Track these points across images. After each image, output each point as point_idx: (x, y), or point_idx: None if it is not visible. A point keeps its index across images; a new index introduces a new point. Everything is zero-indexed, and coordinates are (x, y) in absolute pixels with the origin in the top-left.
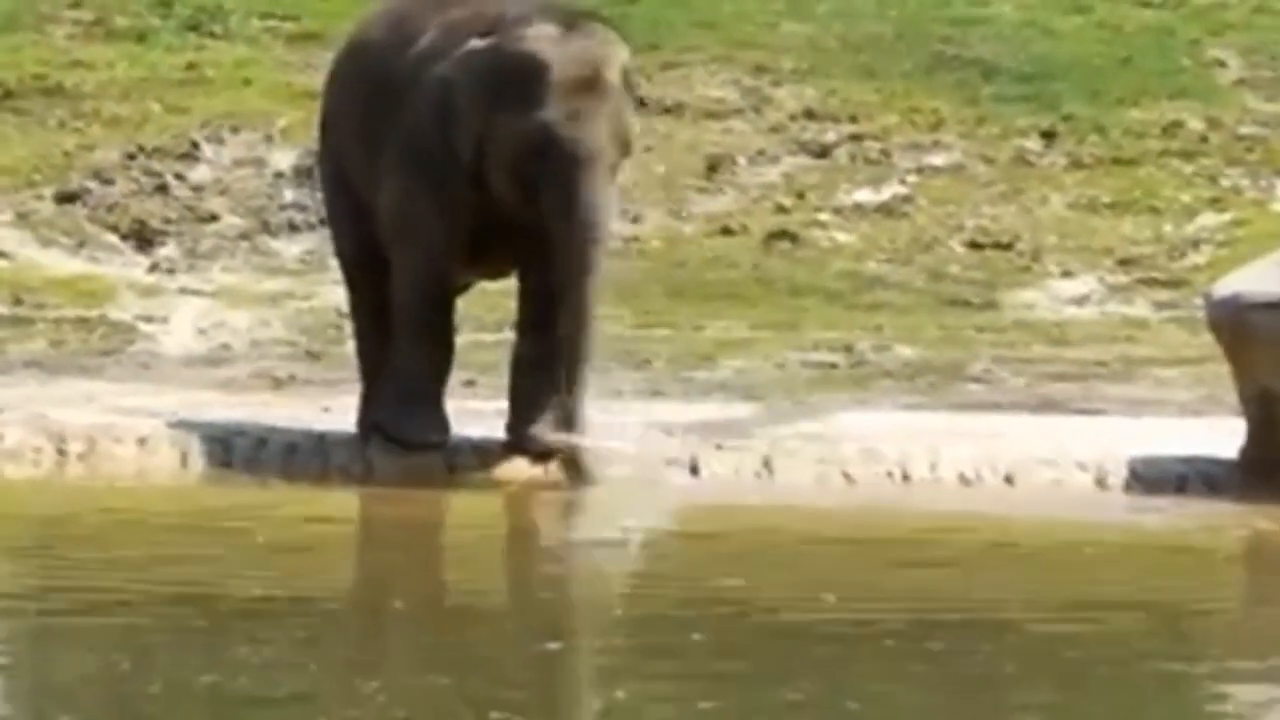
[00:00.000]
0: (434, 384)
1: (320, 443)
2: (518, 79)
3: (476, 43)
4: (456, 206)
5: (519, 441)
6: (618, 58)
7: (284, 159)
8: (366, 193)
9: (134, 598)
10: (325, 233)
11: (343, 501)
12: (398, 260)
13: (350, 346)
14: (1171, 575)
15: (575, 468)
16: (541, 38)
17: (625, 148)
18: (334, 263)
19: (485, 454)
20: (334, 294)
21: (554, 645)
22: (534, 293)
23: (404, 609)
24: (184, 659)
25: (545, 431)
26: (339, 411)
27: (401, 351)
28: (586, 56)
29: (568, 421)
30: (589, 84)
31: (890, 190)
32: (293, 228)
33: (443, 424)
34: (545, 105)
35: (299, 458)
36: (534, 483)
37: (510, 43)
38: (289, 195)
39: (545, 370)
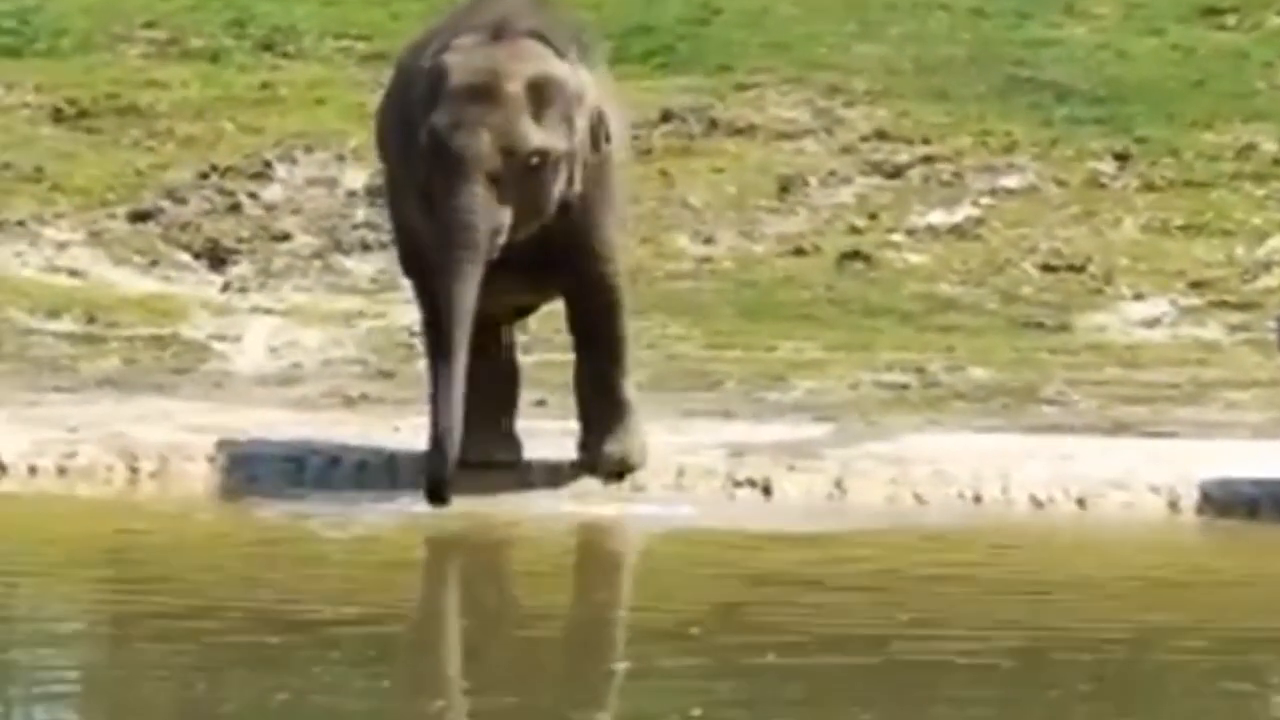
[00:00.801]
0: (490, 405)
1: (391, 462)
2: (431, 90)
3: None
4: None
5: (590, 460)
6: (527, 70)
7: (356, 178)
8: (407, 213)
9: (206, 616)
10: (396, 252)
11: (412, 520)
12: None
13: (422, 365)
14: (1243, 599)
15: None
16: (458, 48)
17: (514, 159)
18: (405, 281)
19: (556, 473)
20: (406, 313)
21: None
22: (568, 312)
23: (474, 627)
24: (257, 678)
25: (616, 449)
26: (410, 431)
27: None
28: (485, 65)
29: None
30: (478, 92)
31: (963, 212)
32: (365, 247)
33: (506, 444)
34: (437, 111)
35: (370, 476)
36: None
37: (438, 56)
38: (361, 214)
39: (598, 386)
